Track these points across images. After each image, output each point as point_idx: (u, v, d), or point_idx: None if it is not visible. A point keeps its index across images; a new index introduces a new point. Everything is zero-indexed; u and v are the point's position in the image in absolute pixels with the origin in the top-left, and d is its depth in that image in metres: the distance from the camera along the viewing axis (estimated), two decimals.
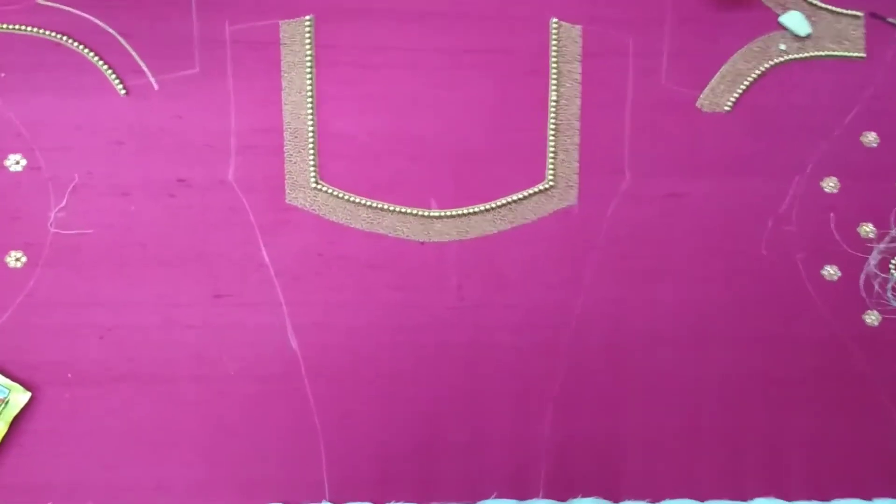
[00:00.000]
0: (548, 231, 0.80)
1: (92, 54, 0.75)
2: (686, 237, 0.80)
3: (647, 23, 0.79)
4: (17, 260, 0.76)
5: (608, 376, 0.80)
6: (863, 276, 0.81)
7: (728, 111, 0.80)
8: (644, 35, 0.79)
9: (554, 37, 0.78)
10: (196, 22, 0.76)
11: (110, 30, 0.75)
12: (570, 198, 0.79)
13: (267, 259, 0.77)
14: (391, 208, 0.78)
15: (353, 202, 0.78)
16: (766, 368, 0.81)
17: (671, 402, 0.81)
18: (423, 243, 0.79)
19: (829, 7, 0.81)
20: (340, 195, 0.78)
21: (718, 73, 0.80)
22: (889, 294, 0.81)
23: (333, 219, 0.78)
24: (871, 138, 0.81)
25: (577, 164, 0.79)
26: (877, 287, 0.81)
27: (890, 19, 0.82)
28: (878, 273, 0.81)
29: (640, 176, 0.80)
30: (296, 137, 0.77)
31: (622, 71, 0.79)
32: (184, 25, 0.76)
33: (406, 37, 0.78)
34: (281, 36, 0.77)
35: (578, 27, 0.78)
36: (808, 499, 0.81)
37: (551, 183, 0.79)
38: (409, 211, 0.78)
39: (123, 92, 0.76)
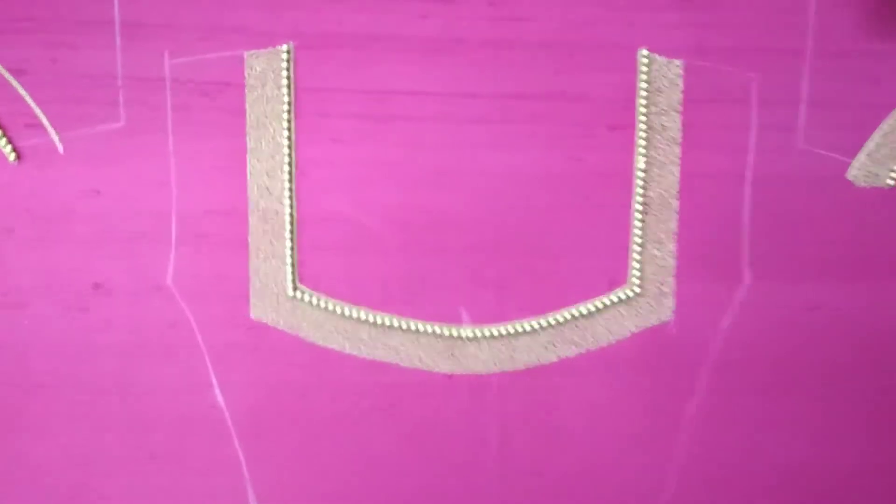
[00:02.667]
0: (631, 358, 0.58)
1: None
2: (831, 367, 0.58)
3: (779, 56, 0.56)
4: None
5: None
6: None
7: (892, 186, 0.57)
8: (774, 74, 0.56)
9: (644, 76, 0.56)
10: (121, 53, 0.53)
11: None
12: (664, 310, 0.57)
13: (221, 400, 0.56)
14: (404, 325, 0.56)
15: (349, 317, 0.56)
16: None
17: None
18: (450, 376, 0.57)
19: None
20: (330, 307, 0.56)
21: (878, 132, 0.57)
22: None
23: (320, 341, 0.56)
24: None
25: (673, 262, 0.57)
26: None
27: None
28: None
29: (766, 279, 0.57)
30: (266, 222, 0.55)
31: (742, 126, 0.56)
32: (103, 58, 0.53)
33: (429, 76, 0.55)
34: (246, 74, 0.54)
35: (679, 62, 0.56)
36: None
37: (637, 289, 0.57)
38: (430, 329, 0.56)
39: (14, 157, 0.53)
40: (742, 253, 0.57)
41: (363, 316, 0.56)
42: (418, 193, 0.56)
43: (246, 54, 0.54)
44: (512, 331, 0.56)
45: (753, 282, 0.57)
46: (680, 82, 0.56)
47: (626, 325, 0.57)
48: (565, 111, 0.56)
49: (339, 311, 0.55)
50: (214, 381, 0.55)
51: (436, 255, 0.56)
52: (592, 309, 0.57)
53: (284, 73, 0.54)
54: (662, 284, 0.57)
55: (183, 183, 0.54)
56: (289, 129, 0.54)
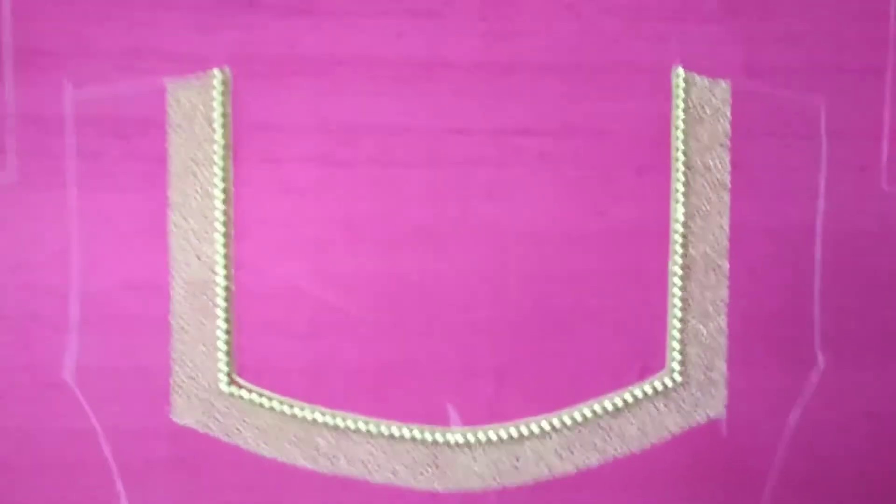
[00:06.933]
0: (671, 468, 0.48)
1: None
2: None
3: (853, 76, 0.48)
4: None
5: None
6: None
7: None
8: (847, 98, 0.48)
9: (680, 102, 0.48)
10: (10, 85, 0.44)
11: None
12: (714, 404, 0.48)
13: None
14: (374, 428, 0.46)
15: (301, 418, 0.46)
16: None
17: None
18: (434, 494, 0.47)
19: None
20: (276, 405, 0.46)
21: None
22: None
23: (263, 451, 0.46)
24: None
25: (724, 342, 0.48)
26: None
27: None
28: None
29: (846, 363, 0.48)
30: (194, 297, 0.46)
31: (809, 164, 0.48)
32: None
33: (408, 108, 0.47)
34: (169, 109, 0.46)
35: (725, 83, 0.47)
36: None
37: (678, 376, 0.47)
38: (408, 433, 0.47)
39: None
40: (813, 327, 0.49)
41: (320, 417, 0.46)
42: (394, 259, 0.48)
43: (168, 84, 0.45)
44: (515, 434, 0.47)
45: (829, 365, 0.48)
46: (727, 110, 0.48)
47: (665, 423, 0.47)
48: (582, 151, 0.48)
49: (288, 410, 0.45)
50: None
51: (416, 337, 0.48)
52: (620, 403, 0.47)
53: (218, 108, 0.45)
54: (711, 370, 0.48)
55: (87, 249, 0.45)
56: (224, 178, 0.45)
